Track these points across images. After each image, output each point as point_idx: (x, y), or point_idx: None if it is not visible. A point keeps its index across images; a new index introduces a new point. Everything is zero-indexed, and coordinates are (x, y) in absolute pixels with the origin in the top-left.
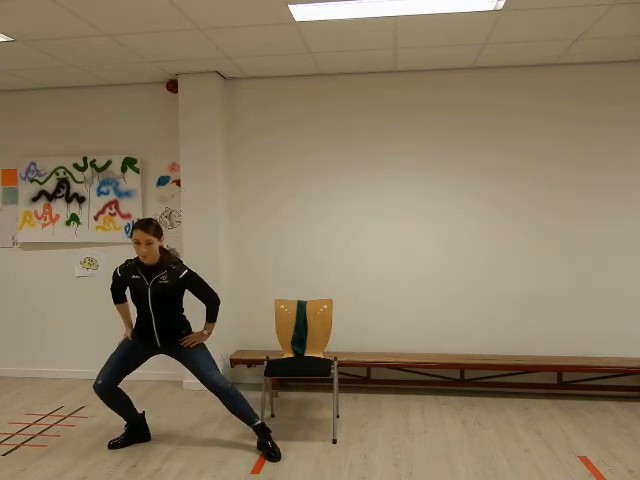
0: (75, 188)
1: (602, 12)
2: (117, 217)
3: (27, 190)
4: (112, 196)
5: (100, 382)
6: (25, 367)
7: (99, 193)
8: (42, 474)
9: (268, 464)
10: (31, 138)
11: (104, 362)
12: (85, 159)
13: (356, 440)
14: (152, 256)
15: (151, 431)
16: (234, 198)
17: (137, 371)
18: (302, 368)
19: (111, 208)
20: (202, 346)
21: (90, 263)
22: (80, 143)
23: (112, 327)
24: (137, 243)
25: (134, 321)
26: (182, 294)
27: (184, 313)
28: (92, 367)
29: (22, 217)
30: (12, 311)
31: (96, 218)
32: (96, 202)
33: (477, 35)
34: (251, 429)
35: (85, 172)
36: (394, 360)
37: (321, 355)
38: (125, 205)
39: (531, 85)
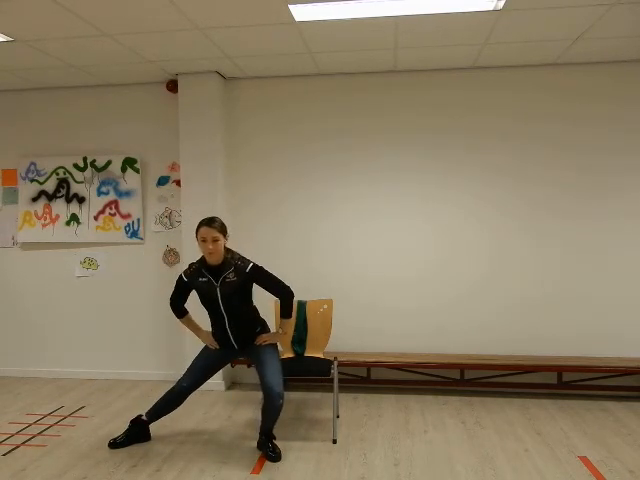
0: (75, 188)
1: (602, 12)
2: (117, 217)
3: (27, 190)
4: (112, 196)
5: (185, 385)
6: (25, 367)
7: (99, 193)
8: (42, 474)
9: (268, 464)
10: (31, 138)
11: (104, 362)
12: (85, 159)
13: (356, 440)
14: (218, 253)
15: (151, 431)
16: (234, 198)
17: (137, 371)
18: (302, 368)
19: (111, 208)
20: (274, 348)
21: (90, 263)
22: (80, 143)
23: (112, 327)
24: (203, 241)
25: (205, 327)
26: (251, 289)
27: (257, 311)
28: (92, 367)
29: (22, 217)
30: (12, 311)
31: (96, 218)
32: (96, 202)
33: (477, 35)
34: (257, 427)
35: (85, 172)
36: (394, 360)
37: (321, 355)
38: (125, 205)
39: (531, 85)
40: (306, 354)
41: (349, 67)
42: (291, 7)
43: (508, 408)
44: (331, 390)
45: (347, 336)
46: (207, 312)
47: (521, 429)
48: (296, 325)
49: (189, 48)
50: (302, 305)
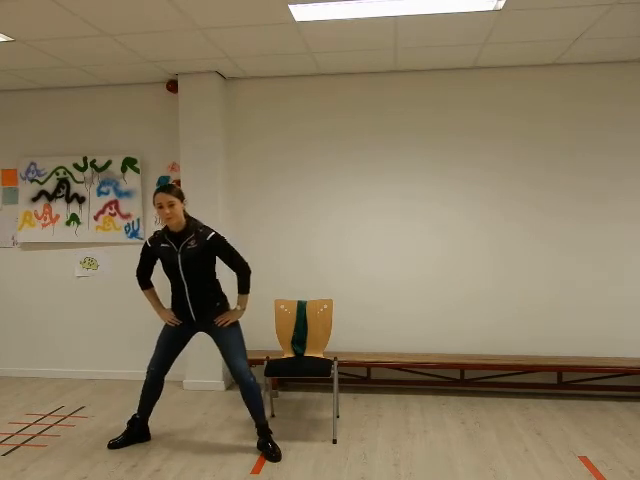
0: (75, 188)
1: (602, 12)
2: (117, 217)
3: (27, 190)
4: (112, 196)
5: (154, 369)
6: (25, 367)
7: (99, 193)
8: (42, 474)
9: (268, 464)
10: (31, 138)
11: (104, 362)
12: (85, 159)
13: (356, 440)
14: (176, 218)
15: (151, 431)
16: (234, 197)
17: (137, 371)
18: (302, 368)
19: (111, 208)
20: (236, 327)
21: (90, 263)
22: (80, 143)
23: (112, 327)
24: (160, 207)
25: (168, 300)
26: (213, 260)
27: (219, 285)
28: (92, 367)
29: (22, 217)
30: (12, 311)
31: (96, 218)
32: (96, 202)
33: (477, 35)
34: (254, 427)
35: (85, 172)
36: (394, 360)
37: (321, 355)
38: (125, 205)
39: (531, 85)
40: (306, 354)
41: (349, 67)
42: (291, 7)
43: (508, 408)
44: (331, 390)
45: (347, 336)
46: (169, 281)
47: (521, 429)
48: (296, 325)
49: (189, 48)
50: (302, 305)
